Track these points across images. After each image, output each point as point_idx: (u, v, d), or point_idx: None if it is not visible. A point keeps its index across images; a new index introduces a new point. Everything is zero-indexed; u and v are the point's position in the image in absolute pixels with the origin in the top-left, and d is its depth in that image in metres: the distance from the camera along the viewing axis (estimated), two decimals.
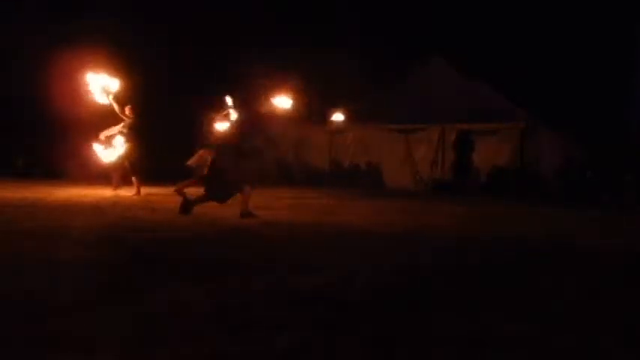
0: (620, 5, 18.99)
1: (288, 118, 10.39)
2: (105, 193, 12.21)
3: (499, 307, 3.71)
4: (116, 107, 11.14)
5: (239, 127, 8.88)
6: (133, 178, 11.97)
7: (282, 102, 9.21)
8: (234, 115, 8.83)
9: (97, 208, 9.13)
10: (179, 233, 6.62)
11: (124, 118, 11.55)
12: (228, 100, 8.92)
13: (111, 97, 10.54)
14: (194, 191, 9.71)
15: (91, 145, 10.92)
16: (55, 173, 17.68)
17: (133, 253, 5.29)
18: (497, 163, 16.26)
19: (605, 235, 7.91)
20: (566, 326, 3.30)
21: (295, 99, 9.32)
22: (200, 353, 2.70)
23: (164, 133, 16.34)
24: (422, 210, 10.76)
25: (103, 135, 11.35)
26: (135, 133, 11.65)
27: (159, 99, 16.55)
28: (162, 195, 11.80)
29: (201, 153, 10.67)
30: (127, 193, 12.00)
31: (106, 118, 11.47)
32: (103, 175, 13.51)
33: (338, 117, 17.79)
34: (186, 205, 8.48)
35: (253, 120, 10.15)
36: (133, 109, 11.67)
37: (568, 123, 15.79)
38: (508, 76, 17.10)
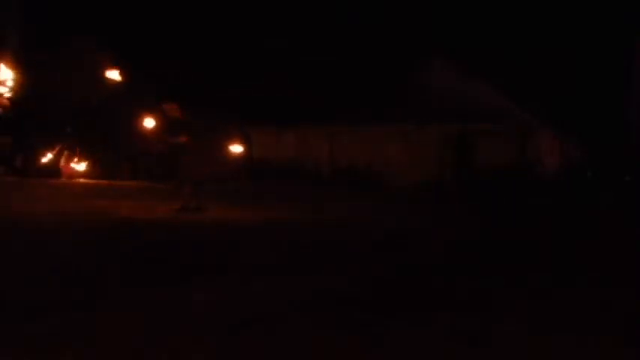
0: (620, 6, 19.01)
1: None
2: None
3: None
4: None
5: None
6: None
7: None
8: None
9: None
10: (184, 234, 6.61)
11: None
12: None
13: None
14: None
15: None
16: None
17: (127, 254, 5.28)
18: (497, 162, 16.22)
19: None
20: None
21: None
22: (200, 353, 2.70)
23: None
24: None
25: None
26: None
27: None
28: None
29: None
30: None
31: None
32: None
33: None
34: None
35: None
36: None
37: (568, 123, 15.79)
38: (508, 76, 17.08)
